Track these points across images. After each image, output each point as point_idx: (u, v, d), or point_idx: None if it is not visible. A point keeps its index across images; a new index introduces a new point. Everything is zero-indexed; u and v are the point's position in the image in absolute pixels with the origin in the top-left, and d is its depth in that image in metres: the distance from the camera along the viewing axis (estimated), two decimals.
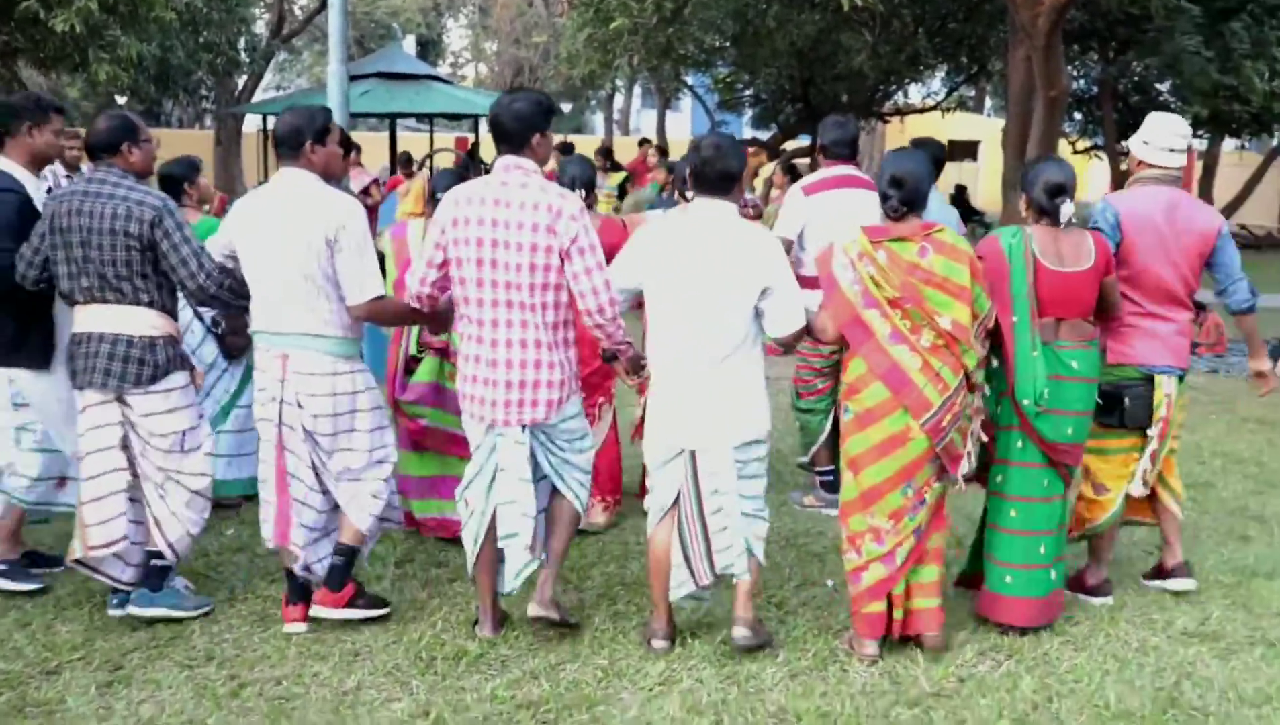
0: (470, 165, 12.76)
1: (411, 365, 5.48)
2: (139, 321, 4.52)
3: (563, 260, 4.21)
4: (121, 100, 30.15)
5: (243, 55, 29.29)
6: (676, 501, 4.39)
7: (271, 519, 4.58)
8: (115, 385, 4.50)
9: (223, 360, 5.89)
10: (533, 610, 4.42)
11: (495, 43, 42.85)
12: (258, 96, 31.64)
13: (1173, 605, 4.97)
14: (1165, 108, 19.59)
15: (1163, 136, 5.00)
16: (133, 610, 4.58)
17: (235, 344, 5.83)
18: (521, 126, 4.28)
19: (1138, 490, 4.95)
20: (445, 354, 5.34)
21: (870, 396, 4.31)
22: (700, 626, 4.66)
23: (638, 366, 4.71)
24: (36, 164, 4.98)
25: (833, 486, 6.06)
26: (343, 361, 4.51)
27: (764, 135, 24.12)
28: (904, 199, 4.33)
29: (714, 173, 4.31)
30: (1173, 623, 4.79)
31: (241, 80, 30.86)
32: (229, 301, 4.64)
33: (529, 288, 4.22)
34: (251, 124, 31.23)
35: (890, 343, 4.26)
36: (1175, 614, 4.88)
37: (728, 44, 19.69)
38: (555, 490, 4.56)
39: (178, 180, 5.74)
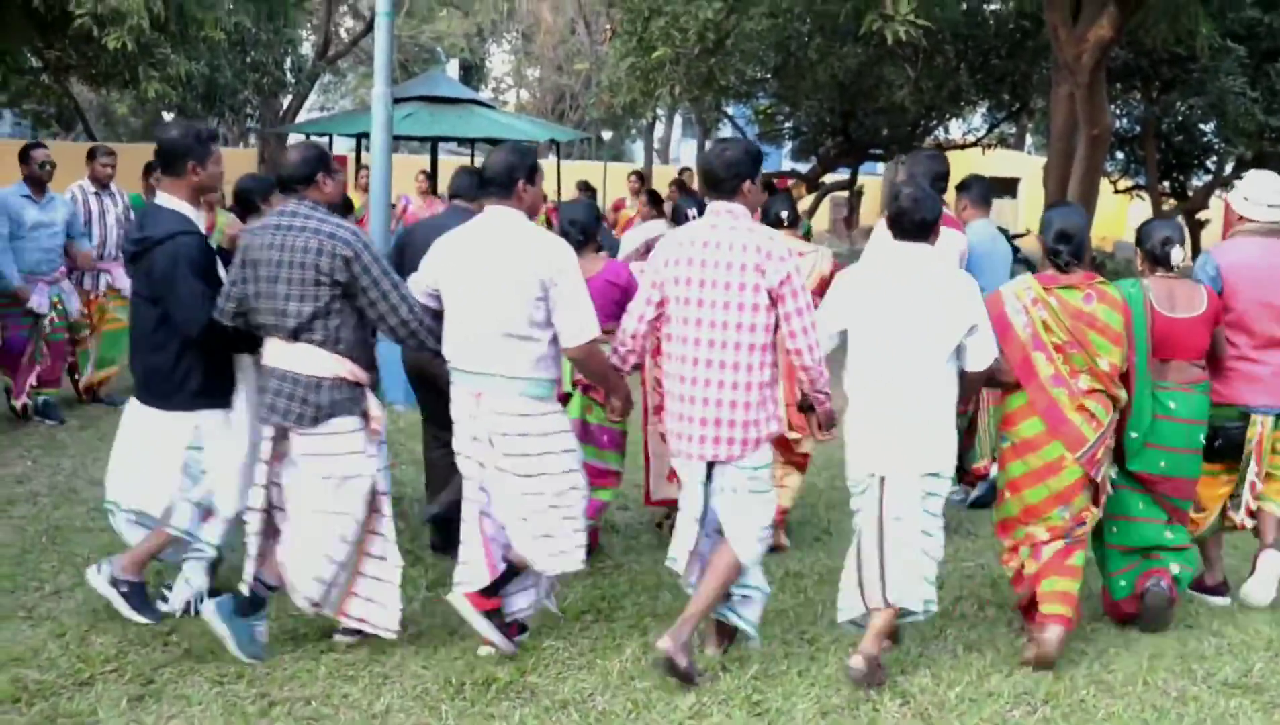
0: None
1: (562, 400, 5.46)
2: (314, 361, 4.44)
3: (774, 301, 4.34)
4: (169, 117, 30.53)
5: (288, 76, 29.61)
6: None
7: (478, 560, 4.58)
8: (278, 421, 4.48)
9: None
10: (663, 644, 4.34)
11: (538, 69, 43.13)
12: (301, 117, 31.94)
13: (1213, 655, 4.89)
14: (1209, 149, 19.48)
15: (1264, 193, 5.45)
16: (203, 613, 4.51)
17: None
18: (732, 173, 4.43)
19: (1242, 520, 5.40)
20: (590, 390, 5.48)
21: (1027, 428, 4.78)
22: (731, 661, 4.62)
23: (830, 422, 4.73)
24: (198, 198, 4.91)
25: None
26: (536, 402, 4.49)
27: (803, 167, 24.13)
28: (1073, 252, 4.80)
29: (911, 223, 4.57)
30: (1214, 673, 4.71)
31: (286, 100, 31.16)
32: (425, 341, 4.59)
33: (735, 327, 4.35)
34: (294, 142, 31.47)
35: (1051, 384, 4.73)
36: (1216, 664, 4.80)
37: (769, 75, 19.72)
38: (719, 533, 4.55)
39: (256, 196, 5.80)
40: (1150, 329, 4.98)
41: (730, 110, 24.39)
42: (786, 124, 23.36)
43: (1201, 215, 20.57)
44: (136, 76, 14.34)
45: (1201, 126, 19.36)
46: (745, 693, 4.35)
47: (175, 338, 4.66)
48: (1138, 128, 20.25)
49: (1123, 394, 4.83)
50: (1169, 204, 20.09)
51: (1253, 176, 5.56)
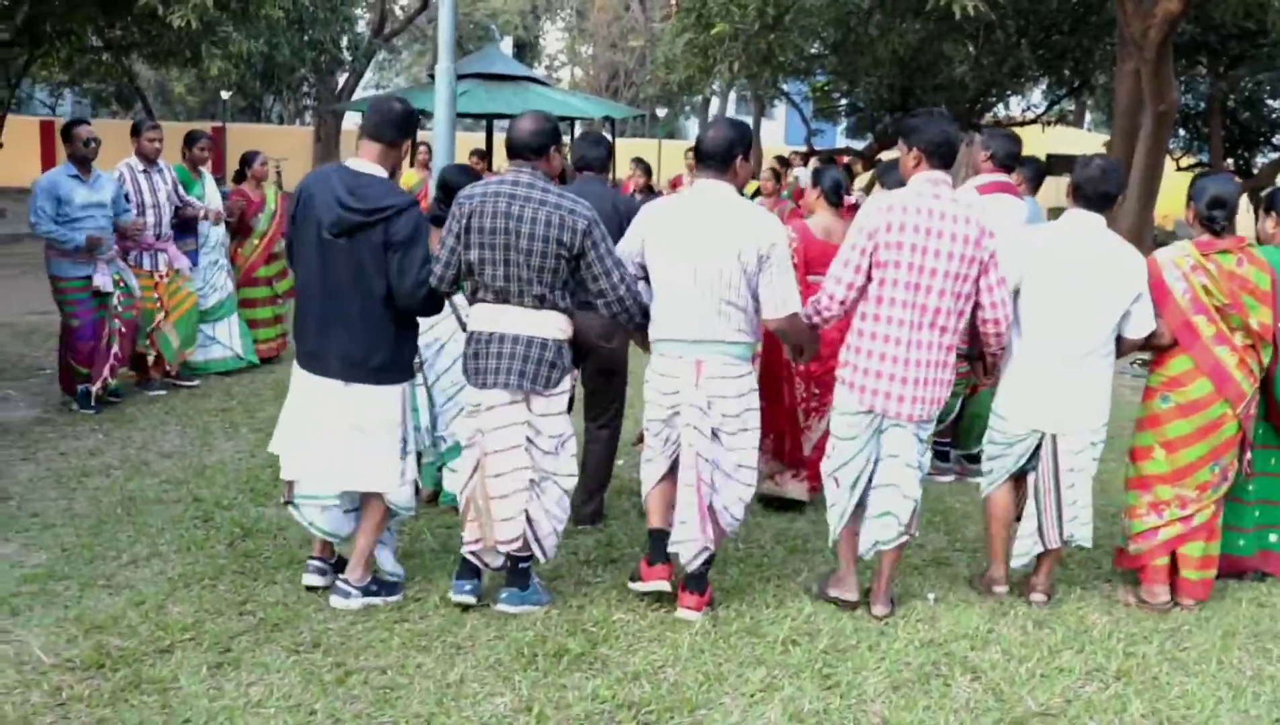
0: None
1: None
2: (553, 325, 4.57)
3: (982, 271, 4.61)
4: (227, 95, 30.85)
5: (345, 54, 29.83)
6: (1021, 473, 5.05)
7: (693, 521, 4.64)
8: (528, 386, 4.54)
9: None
10: (878, 609, 4.85)
11: (591, 46, 43.11)
12: (357, 94, 32.17)
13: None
14: (1277, 125, 19.15)
15: None
16: (503, 607, 4.69)
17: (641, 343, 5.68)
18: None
19: None
20: None
21: (1196, 390, 5.00)
22: (800, 634, 4.63)
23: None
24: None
25: (944, 457, 7.06)
26: (745, 364, 4.68)
27: (858, 145, 23.98)
28: (1227, 217, 5.02)
29: (1095, 191, 4.86)
30: None
31: (342, 78, 31.42)
32: (634, 316, 4.70)
33: (952, 295, 4.58)
34: (351, 121, 31.77)
35: (1214, 344, 4.99)
36: None
37: (827, 52, 19.62)
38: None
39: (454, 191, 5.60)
40: None
41: (786, 87, 24.24)
42: (843, 101, 23.23)
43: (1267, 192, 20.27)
44: (198, 54, 14.54)
45: (1269, 102, 19.05)
46: (816, 666, 4.36)
47: (394, 309, 4.64)
48: (1202, 104, 19.96)
49: (1267, 355, 5.08)
50: (1121, 183, 19.78)
51: None
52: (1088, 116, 33.64)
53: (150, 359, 8.51)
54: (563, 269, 4.50)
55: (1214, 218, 5.01)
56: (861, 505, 4.84)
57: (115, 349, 7.90)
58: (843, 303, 4.69)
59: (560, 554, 5.19)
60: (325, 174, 4.67)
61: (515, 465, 4.60)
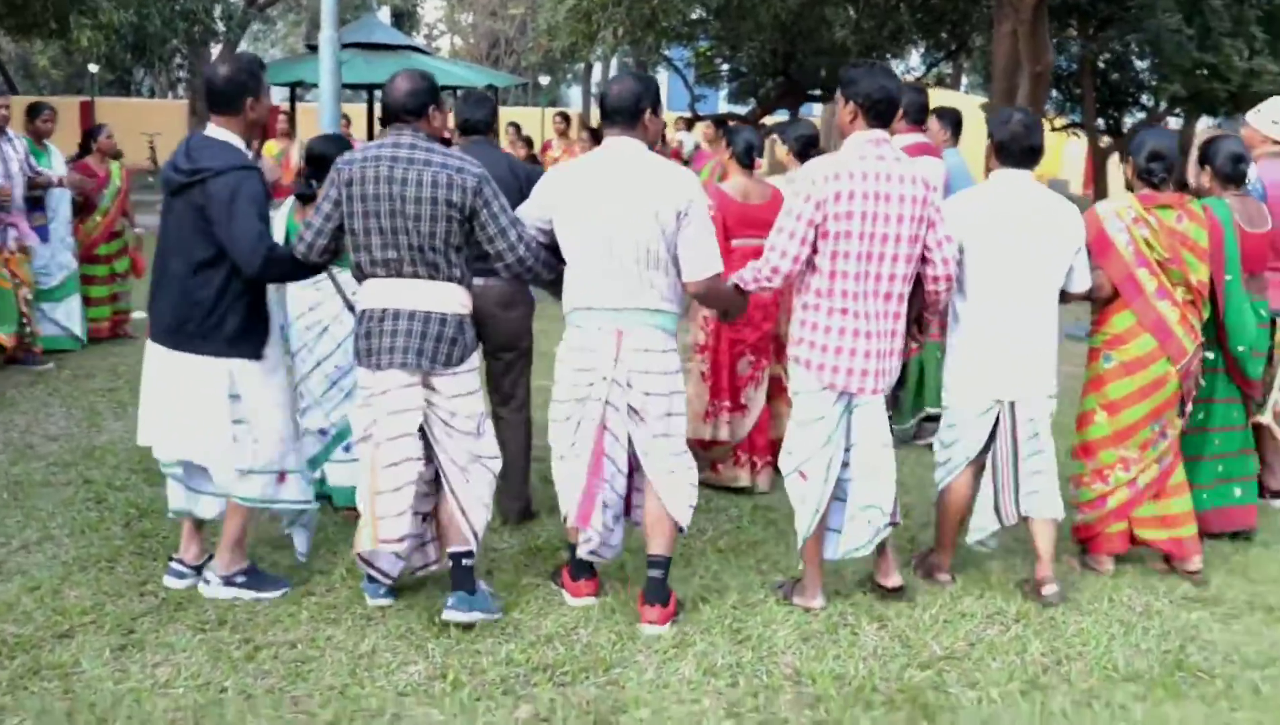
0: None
1: None
2: (451, 298, 4.26)
3: (928, 229, 4.42)
4: (95, 68, 29.84)
5: (218, 24, 29.01)
6: (982, 451, 4.77)
7: (576, 499, 4.38)
8: (427, 365, 4.22)
9: None
10: (892, 582, 4.63)
11: (471, 14, 42.62)
12: None
13: (1173, 572, 5.04)
14: (1144, 86, 19.71)
15: None
16: (451, 617, 4.31)
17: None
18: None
19: (1266, 418, 5.83)
20: None
21: (1138, 347, 4.93)
22: (709, 592, 4.69)
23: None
24: (251, 134, 4.59)
25: None
26: (671, 338, 4.40)
27: (741, 110, 24.12)
28: (1165, 170, 4.96)
29: (1022, 148, 4.68)
30: (1174, 588, 4.88)
31: (216, 50, 30.59)
32: (540, 274, 4.46)
33: (904, 259, 4.38)
34: None
35: (1156, 298, 4.91)
36: (1176, 580, 4.96)
37: (710, 16, 19.65)
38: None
39: (329, 162, 5.39)
40: (1240, 245, 5.31)
41: (669, 53, 24.25)
42: (725, 66, 23.31)
43: None
44: (66, 25, 14.05)
45: (1137, 64, 19.59)
46: (726, 621, 4.42)
47: (218, 277, 4.35)
48: (1074, 66, 20.43)
49: (1207, 310, 5.10)
50: (1104, 141, 20.32)
51: (1276, 102, 6.13)
52: (964, 79, 34.25)
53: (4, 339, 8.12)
54: (455, 233, 4.20)
55: (1152, 170, 4.95)
56: (838, 500, 4.57)
57: None
58: (787, 276, 4.41)
59: (545, 534, 5.21)
60: (183, 141, 4.52)
61: (408, 455, 4.27)
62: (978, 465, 4.80)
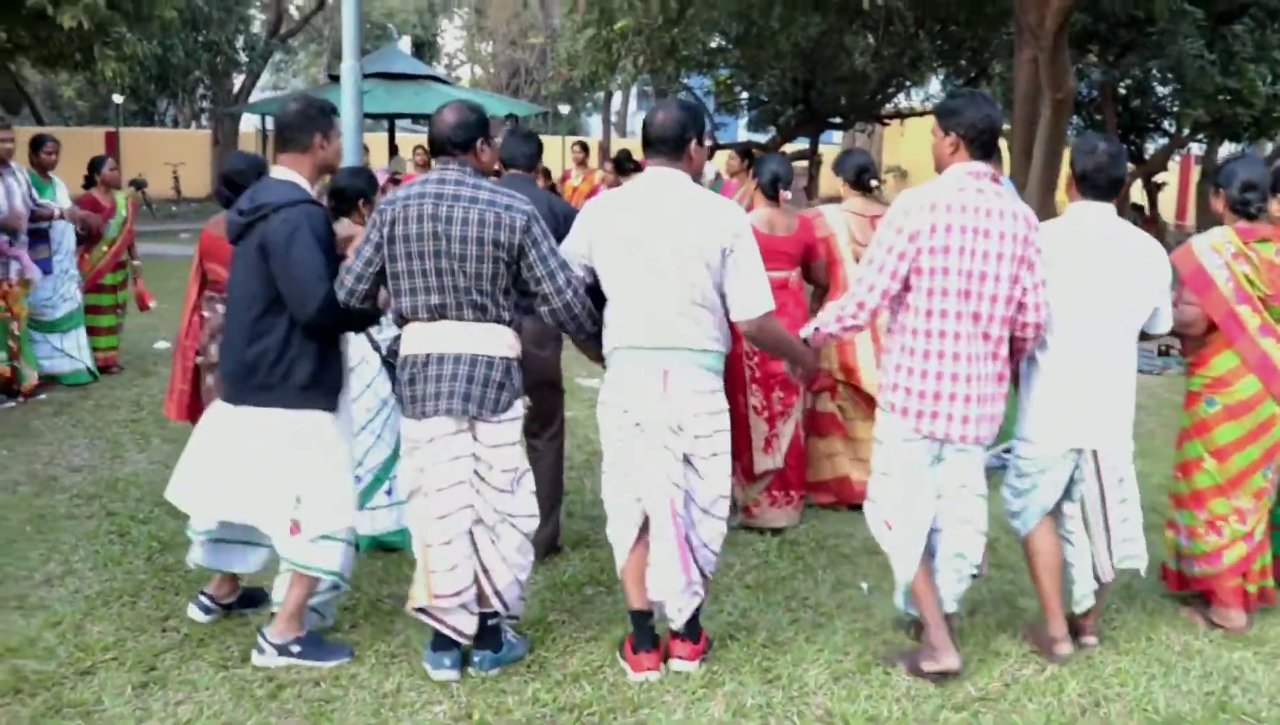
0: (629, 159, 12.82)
1: None
2: (499, 341, 4.05)
3: (1027, 270, 4.14)
4: (119, 99, 30.06)
5: (241, 55, 29.27)
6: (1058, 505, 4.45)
7: (674, 563, 4.09)
8: (474, 411, 4.01)
9: (393, 396, 5.11)
10: (944, 663, 4.21)
11: (491, 44, 42.83)
12: (254, 96, 31.61)
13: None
14: (1166, 112, 19.64)
15: None
16: (481, 673, 4.19)
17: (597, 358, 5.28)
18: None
19: None
20: None
21: (1243, 388, 4.66)
22: (737, 629, 4.61)
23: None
24: (319, 175, 4.41)
25: None
26: (718, 378, 4.17)
27: (761, 138, 24.12)
28: (1261, 200, 4.70)
29: (1106, 179, 4.36)
30: (1214, 627, 4.76)
31: (239, 80, 30.83)
32: (584, 324, 4.18)
33: (1005, 300, 4.10)
34: (249, 123, 31.20)
35: (1260, 336, 4.64)
36: None
37: (730, 45, 19.68)
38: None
39: (353, 196, 5.19)
40: None
41: (689, 81, 24.29)
42: (745, 95, 23.33)
43: (1158, 178, 20.76)
44: (91, 57, 14.15)
45: (1158, 90, 19.51)
46: (756, 660, 4.34)
47: (284, 319, 4.14)
48: (1095, 92, 20.37)
49: None
50: (1128, 167, 20.23)
51: None
52: None
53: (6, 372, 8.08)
54: (503, 274, 3.99)
55: (1248, 201, 4.68)
56: (929, 551, 4.27)
57: None
58: (874, 312, 4.12)
59: (581, 569, 5.17)
60: (251, 187, 4.36)
61: (460, 504, 4.07)
62: (1054, 514, 4.48)
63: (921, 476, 4.19)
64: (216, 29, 25.05)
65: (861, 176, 6.12)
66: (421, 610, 4.14)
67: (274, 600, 4.40)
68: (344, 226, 5.27)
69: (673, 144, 4.14)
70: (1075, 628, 4.54)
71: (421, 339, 4.06)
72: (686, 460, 4.11)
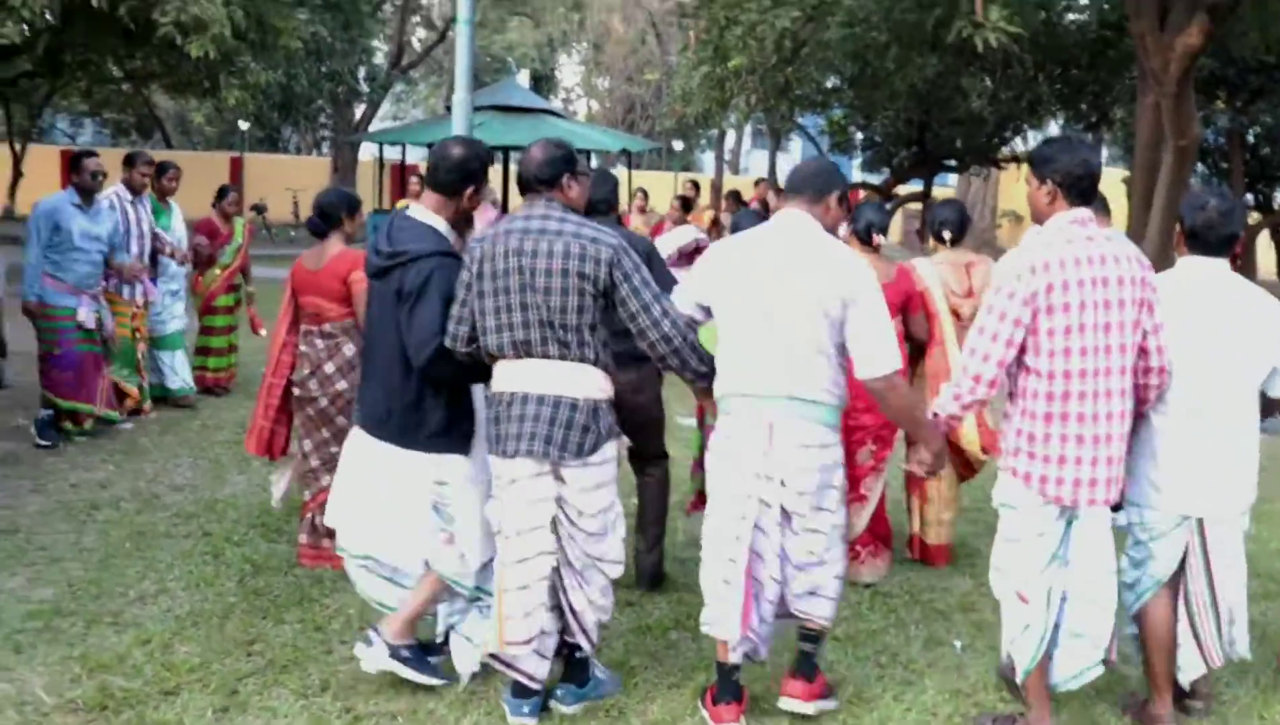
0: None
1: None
2: (584, 381, 3.98)
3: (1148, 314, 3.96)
4: (245, 125, 30.97)
5: (362, 85, 29.96)
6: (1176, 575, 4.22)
7: (726, 610, 3.98)
8: (556, 454, 3.95)
9: None
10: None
11: (607, 79, 43.25)
12: (374, 126, 32.29)
13: None
14: None
15: None
16: (558, 708, 4.15)
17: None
18: (1094, 182, 3.98)
19: None
20: None
21: None
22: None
23: None
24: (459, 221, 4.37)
25: None
26: (831, 432, 4.02)
27: (875, 179, 23.93)
28: None
29: (1215, 237, 4.16)
30: None
31: (360, 109, 31.53)
32: (687, 360, 4.06)
33: (1130, 348, 3.90)
34: (367, 152, 31.89)
35: None
36: None
37: (844, 85, 19.59)
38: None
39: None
40: None
41: (802, 120, 24.22)
42: (859, 135, 23.19)
43: None
44: (216, 85, 14.61)
45: None
46: (841, 717, 4.22)
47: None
48: (1221, 139, 19.84)
49: None
50: (1254, 217, 19.63)
51: None
52: (1104, 151, 33.54)
53: (122, 388, 8.27)
54: (589, 308, 3.91)
55: None
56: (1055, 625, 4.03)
57: (99, 381, 7.70)
58: (992, 384, 3.91)
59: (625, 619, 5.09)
60: (389, 219, 4.39)
61: (538, 549, 4.00)
62: (1173, 587, 4.22)
63: (1054, 545, 3.97)
64: (339, 59, 25.65)
65: (940, 231, 5.96)
66: (494, 656, 4.09)
67: (461, 649, 4.40)
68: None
69: (814, 191, 4.08)
70: (1181, 689, 4.30)
71: (507, 377, 4.03)
72: (785, 515, 3.98)
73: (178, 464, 7.33)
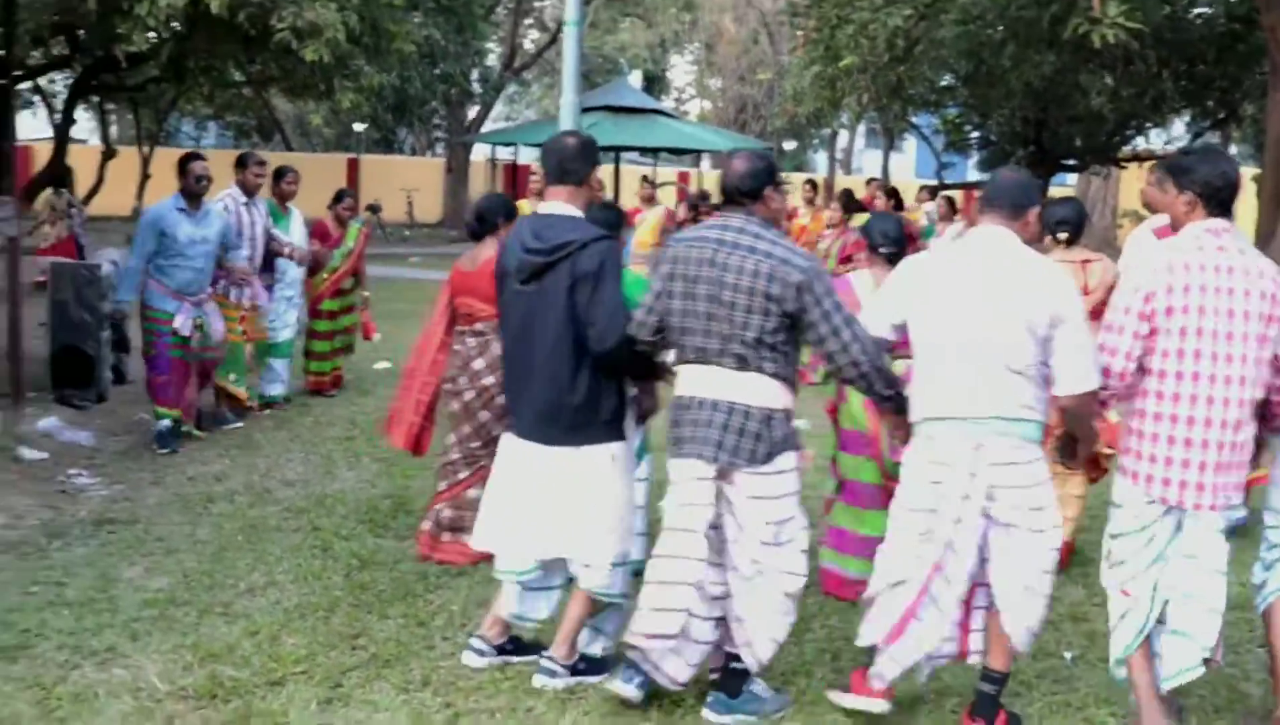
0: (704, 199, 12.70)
1: None
2: (762, 391, 3.99)
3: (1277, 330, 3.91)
4: (360, 127, 31.55)
5: (475, 87, 30.33)
6: None
7: (887, 619, 4.03)
8: (725, 459, 3.99)
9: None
10: None
11: (719, 79, 43.16)
12: (487, 127, 32.66)
13: None
14: None
15: None
16: (707, 716, 4.13)
17: (649, 408, 5.17)
18: (1233, 193, 3.99)
19: None
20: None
21: None
22: (927, 693, 4.40)
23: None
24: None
25: None
26: (1036, 448, 3.96)
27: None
28: None
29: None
30: None
31: (472, 111, 31.92)
32: (874, 384, 4.06)
33: (1252, 361, 3.85)
34: (480, 152, 32.26)
35: None
36: None
37: (959, 83, 19.26)
38: None
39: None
40: None
41: (916, 119, 23.89)
42: (974, 134, 22.77)
43: None
44: (331, 88, 14.90)
45: None
46: None
47: (590, 357, 4.22)
48: None
49: None
50: None
51: None
52: (1233, 149, 32.51)
53: (230, 391, 8.34)
54: (772, 327, 3.92)
55: None
56: (1160, 621, 4.02)
57: (187, 390, 7.70)
58: (1122, 376, 3.91)
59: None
60: (519, 224, 4.44)
61: (687, 553, 4.02)
62: None
63: (1160, 544, 3.96)
64: (453, 62, 26.00)
65: (1056, 230, 5.85)
66: (633, 648, 4.10)
67: (590, 638, 4.47)
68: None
69: (1015, 206, 4.03)
70: None
71: (688, 381, 4.10)
72: (999, 527, 3.94)
73: (289, 459, 7.48)
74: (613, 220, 5.03)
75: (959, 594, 3.96)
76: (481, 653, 4.50)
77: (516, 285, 4.31)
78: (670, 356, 4.30)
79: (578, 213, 4.31)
